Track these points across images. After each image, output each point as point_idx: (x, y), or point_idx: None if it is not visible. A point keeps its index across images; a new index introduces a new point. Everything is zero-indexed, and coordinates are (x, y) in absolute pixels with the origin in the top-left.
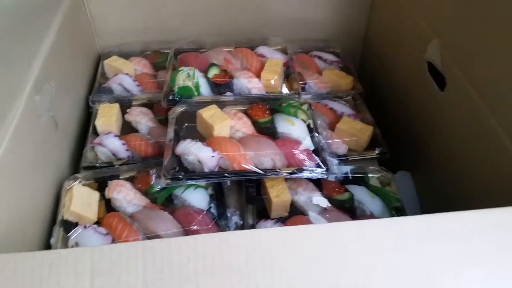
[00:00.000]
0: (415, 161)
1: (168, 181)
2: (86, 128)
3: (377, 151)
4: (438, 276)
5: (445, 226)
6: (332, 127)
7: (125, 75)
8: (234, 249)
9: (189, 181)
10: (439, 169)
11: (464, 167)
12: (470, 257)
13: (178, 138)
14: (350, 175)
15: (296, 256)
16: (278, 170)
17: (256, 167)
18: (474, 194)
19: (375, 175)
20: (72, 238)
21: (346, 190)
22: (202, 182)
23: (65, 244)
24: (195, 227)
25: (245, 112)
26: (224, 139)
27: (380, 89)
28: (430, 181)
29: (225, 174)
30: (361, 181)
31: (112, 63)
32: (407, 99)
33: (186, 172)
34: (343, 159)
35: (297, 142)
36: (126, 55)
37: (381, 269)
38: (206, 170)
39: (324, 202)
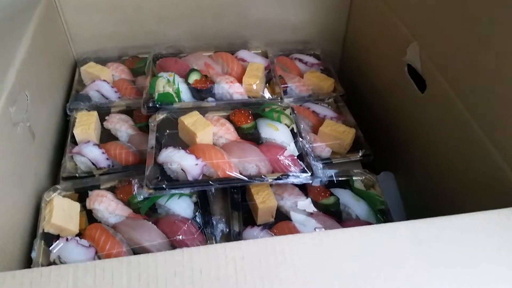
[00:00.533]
0: (397, 161)
1: (151, 191)
2: (64, 137)
3: (360, 154)
4: (432, 281)
5: (435, 231)
6: (315, 130)
7: (102, 81)
8: (222, 261)
9: (173, 190)
10: (422, 169)
11: (446, 167)
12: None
13: (159, 146)
14: (334, 179)
15: (286, 266)
16: (263, 176)
17: (241, 174)
18: (456, 194)
19: (359, 178)
20: (54, 251)
21: (332, 194)
22: (186, 191)
23: (46, 258)
24: (180, 237)
25: (227, 118)
26: (207, 146)
27: (360, 90)
28: (413, 181)
29: (210, 182)
30: (346, 185)
31: (89, 69)
32: (387, 100)
33: (170, 181)
34: (327, 163)
35: (282, 148)
36: (103, 61)
37: (374, 276)
38: (190, 178)
39: (310, 207)
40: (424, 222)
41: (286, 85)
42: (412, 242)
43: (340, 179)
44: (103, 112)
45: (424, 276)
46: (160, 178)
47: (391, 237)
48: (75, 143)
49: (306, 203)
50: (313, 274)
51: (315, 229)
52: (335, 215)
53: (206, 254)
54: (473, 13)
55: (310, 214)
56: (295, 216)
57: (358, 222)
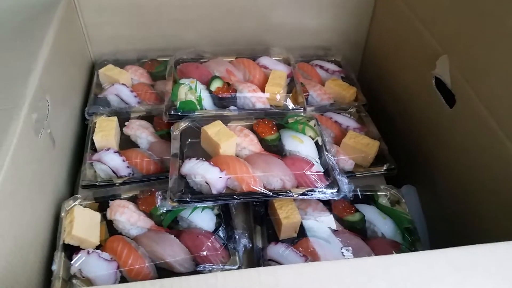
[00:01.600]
0: (419, 175)
1: (175, 204)
2: (82, 143)
3: (385, 168)
4: None
5: (474, 258)
6: (337, 141)
7: (121, 85)
8: (257, 286)
9: (196, 204)
10: (446, 184)
11: (473, 186)
12: None
13: (182, 155)
14: (359, 194)
15: None
16: (288, 191)
17: (265, 188)
18: (483, 214)
19: (384, 194)
20: (75, 265)
21: (357, 211)
22: (210, 204)
23: (67, 271)
24: (204, 253)
25: (250, 128)
26: (231, 158)
27: (381, 100)
28: (436, 196)
29: (235, 196)
30: (371, 200)
31: (107, 72)
32: (411, 112)
33: (193, 194)
34: (350, 176)
35: (307, 162)
36: (121, 64)
37: None
38: (214, 192)
39: (334, 224)
40: (462, 250)
41: (307, 93)
42: (450, 270)
43: (364, 194)
44: (123, 117)
45: None
46: (183, 190)
47: (428, 265)
48: (94, 149)
49: (330, 219)
50: None
51: (342, 250)
52: (360, 233)
53: (240, 278)
54: (507, 25)
55: (335, 231)
56: (319, 232)
57: (384, 240)
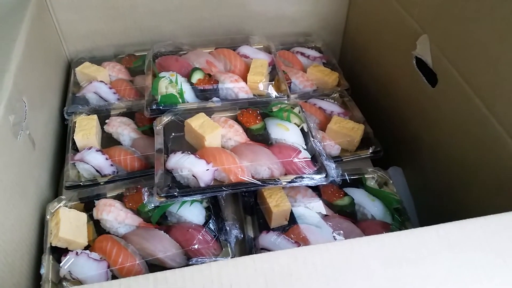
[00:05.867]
0: (405, 156)
1: (163, 199)
2: (63, 143)
3: (370, 150)
4: (467, 285)
5: (466, 232)
6: (322, 127)
7: (100, 82)
8: (252, 274)
9: (184, 198)
10: (432, 164)
11: (459, 163)
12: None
13: (166, 150)
14: (347, 178)
15: (318, 276)
16: (276, 179)
17: (253, 177)
18: (471, 190)
19: (372, 176)
20: (64, 267)
21: (346, 194)
22: (198, 197)
23: (56, 274)
24: (196, 247)
25: (235, 119)
26: (217, 150)
27: (363, 83)
28: (422, 176)
29: (223, 187)
30: (359, 183)
31: (84, 70)
32: (394, 94)
33: (181, 188)
34: (337, 160)
35: (294, 149)
36: (98, 61)
37: (407, 281)
38: (202, 184)
39: (324, 209)
40: (454, 225)
41: (289, 81)
42: (443, 246)
43: (352, 177)
44: (103, 115)
45: (459, 281)
46: (170, 185)
47: (421, 242)
48: (76, 149)
49: (320, 205)
50: (347, 284)
51: (333, 235)
52: (350, 216)
53: (235, 267)
54: (489, 4)
55: (325, 216)
56: (309, 218)
57: (374, 222)
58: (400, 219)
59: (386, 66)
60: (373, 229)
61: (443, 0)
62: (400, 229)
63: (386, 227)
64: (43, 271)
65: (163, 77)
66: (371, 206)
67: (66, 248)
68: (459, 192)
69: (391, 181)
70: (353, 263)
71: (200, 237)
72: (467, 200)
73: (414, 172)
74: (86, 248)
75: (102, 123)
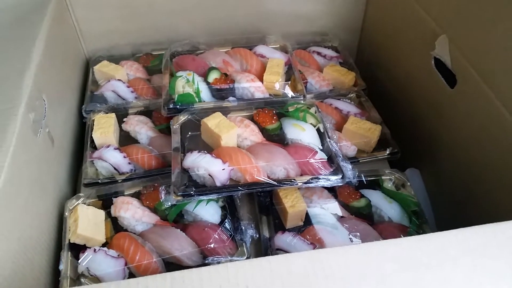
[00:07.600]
0: (423, 158)
1: (179, 198)
2: (81, 141)
3: (388, 152)
4: None
5: (486, 238)
6: (338, 127)
7: (118, 81)
8: (268, 275)
9: (201, 197)
10: (450, 165)
11: (479, 164)
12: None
13: (183, 149)
14: (364, 179)
15: (334, 279)
16: (292, 180)
17: (269, 178)
18: (491, 191)
19: (389, 178)
20: (82, 264)
21: (362, 196)
22: (214, 197)
23: (74, 270)
24: (212, 246)
25: (251, 118)
26: (233, 149)
27: (380, 83)
28: (440, 178)
29: (239, 187)
30: (375, 185)
31: (102, 68)
32: (413, 94)
33: (197, 187)
34: (354, 161)
35: (310, 149)
36: (116, 60)
37: (424, 286)
38: (218, 184)
39: (340, 211)
40: (473, 230)
41: (305, 81)
42: (462, 251)
43: (369, 179)
44: (121, 113)
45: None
46: (187, 184)
47: (440, 247)
48: (94, 147)
49: (336, 206)
50: (364, 287)
51: (349, 237)
52: (366, 218)
53: (251, 268)
54: (510, 5)
55: (341, 218)
56: (325, 219)
57: (391, 225)
58: (418, 222)
59: (403, 66)
60: (390, 231)
61: (462, 0)
62: (417, 232)
63: (403, 230)
64: (61, 267)
65: (180, 76)
66: (388, 208)
67: (84, 245)
68: (479, 195)
69: (408, 183)
70: (370, 267)
71: (216, 236)
72: (487, 204)
73: (431, 174)
74: (104, 245)
75: (120, 121)
